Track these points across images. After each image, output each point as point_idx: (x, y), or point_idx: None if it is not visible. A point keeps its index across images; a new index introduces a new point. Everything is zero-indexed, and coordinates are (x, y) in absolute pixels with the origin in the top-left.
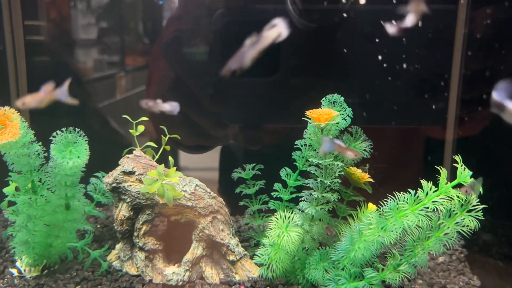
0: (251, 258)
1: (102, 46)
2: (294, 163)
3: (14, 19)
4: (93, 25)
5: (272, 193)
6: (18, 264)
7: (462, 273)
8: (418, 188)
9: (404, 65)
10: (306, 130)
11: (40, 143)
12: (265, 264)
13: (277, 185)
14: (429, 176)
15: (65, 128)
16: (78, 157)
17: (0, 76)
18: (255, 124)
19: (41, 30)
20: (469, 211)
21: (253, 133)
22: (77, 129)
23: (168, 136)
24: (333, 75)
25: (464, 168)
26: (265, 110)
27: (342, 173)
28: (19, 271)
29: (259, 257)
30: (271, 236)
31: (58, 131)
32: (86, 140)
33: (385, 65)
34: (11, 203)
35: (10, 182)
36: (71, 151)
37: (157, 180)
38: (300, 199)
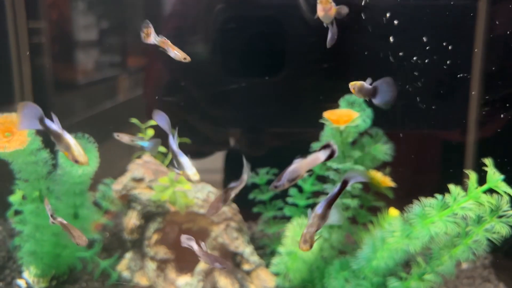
0: (267, 266)
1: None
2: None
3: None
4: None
5: (288, 199)
6: (25, 275)
7: (488, 280)
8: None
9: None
10: (322, 132)
11: (47, 150)
12: (282, 274)
13: (292, 190)
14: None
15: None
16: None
17: (4, 80)
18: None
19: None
20: (500, 216)
21: (255, 137)
22: (86, 135)
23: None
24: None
25: (494, 172)
26: (271, 112)
27: None
28: (27, 282)
29: (275, 266)
30: (287, 244)
31: None
32: (96, 147)
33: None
34: (18, 212)
35: (17, 190)
36: None
37: (168, 186)
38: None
